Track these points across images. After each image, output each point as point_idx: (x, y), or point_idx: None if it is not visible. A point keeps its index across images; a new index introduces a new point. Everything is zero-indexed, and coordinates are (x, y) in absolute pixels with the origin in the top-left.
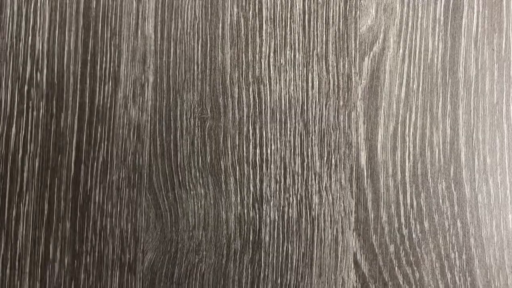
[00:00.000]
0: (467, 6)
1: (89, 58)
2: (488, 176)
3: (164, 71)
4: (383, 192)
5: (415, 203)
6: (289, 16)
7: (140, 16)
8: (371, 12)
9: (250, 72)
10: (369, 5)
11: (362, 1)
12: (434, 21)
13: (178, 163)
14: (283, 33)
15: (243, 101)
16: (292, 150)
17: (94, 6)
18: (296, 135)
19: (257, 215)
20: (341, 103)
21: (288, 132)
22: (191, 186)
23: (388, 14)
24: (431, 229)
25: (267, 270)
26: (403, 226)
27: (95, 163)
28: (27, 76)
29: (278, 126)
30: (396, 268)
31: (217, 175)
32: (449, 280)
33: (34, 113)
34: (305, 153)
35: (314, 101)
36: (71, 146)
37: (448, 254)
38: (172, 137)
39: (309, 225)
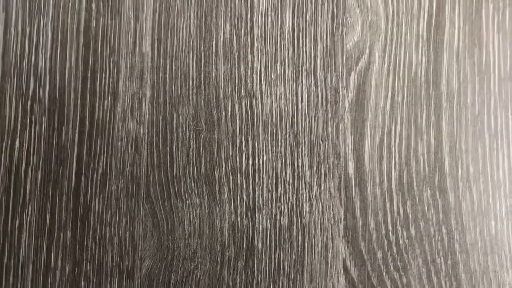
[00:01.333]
0: (449, 22)
1: (89, 74)
2: (471, 184)
3: (161, 86)
4: (371, 200)
5: (401, 211)
6: (279, 33)
7: (137, 35)
8: (357, 28)
9: (242, 87)
10: (355, 22)
11: (348, 18)
12: (417, 37)
13: (174, 173)
14: (274, 49)
15: (236, 114)
16: (283, 161)
17: (94, 25)
18: (287, 146)
19: (250, 223)
20: (329, 115)
21: (279, 143)
22: (186, 195)
23: (373, 30)
24: (417, 235)
25: (260, 276)
26: (390, 233)
27: (95, 175)
28: (30, 92)
29: (269, 138)
30: (384, 273)
31: (212, 185)
32: (435, 284)
33: (37, 127)
34: (295, 163)
35: (303, 113)
36: (72, 159)
37: (434, 259)
38: (168, 149)
39: (300, 233)
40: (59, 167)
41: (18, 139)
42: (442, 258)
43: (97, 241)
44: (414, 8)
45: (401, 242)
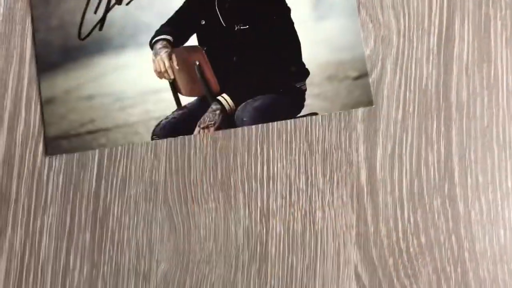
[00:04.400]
0: (459, 37)
1: None
2: (480, 194)
3: None
4: (382, 208)
5: (412, 219)
6: None
7: None
8: (370, 43)
9: None
10: (368, 37)
11: (361, 34)
12: (428, 51)
13: (191, 179)
14: None
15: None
16: (297, 168)
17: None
18: (301, 155)
19: (264, 229)
20: (343, 125)
21: (294, 152)
22: (203, 200)
23: (386, 44)
24: (428, 243)
25: (273, 281)
26: (401, 240)
27: (115, 179)
28: None
29: (284, 146)
30: (395, 280)
31: (227, 190)
32: None
33: None
34: (309, 171)
35: (317, 123)
36: (93, 163)
37: (444, 267)
38: (186, 155)
39: (312, 239)
40: (80, 171)
41: (41, 144)
42: (452, 266)
43: (115, 243)
44: (425, 23)
45: (411, 249)
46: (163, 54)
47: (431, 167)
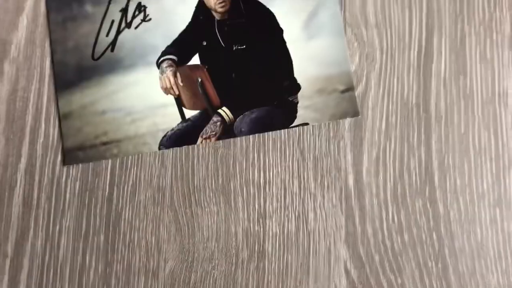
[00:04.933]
0: (437, 52)
1: None
2: (458, 196)
3: None
4: (369, 209)
5: (396, 219)
6: None
7: None
8: (355, 59)
9: None
10: (354, 54)
11: (347, 51)
12: (408, 66)
13: (195, 184)
14: None
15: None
16: (290, 174)
17: None
18: (294, 161)
19: (262, 229)
20: (331, 134)
21: (287, 159)
22: (205, 204)
23: (370, 61)
24: (411, 241)
25: (270, 276)
26: (386, 239)
27: (126, 185)
28: None
29: (278, 154)
30: (381, 275)
31: (228, 194)
32: (427, 285)
33: None
34: (301, 176)
35: (308, 133)
36: (106, 171)
37: (426, 262)
38: (190, 163)
39: (305, 238)
40: (95, 178)
41: (60, 154)
42: (433, 261)
43: (127, 244)
44: (405, 40)
45: (396, 247)
46: (169, 72)
47: (412, 171)
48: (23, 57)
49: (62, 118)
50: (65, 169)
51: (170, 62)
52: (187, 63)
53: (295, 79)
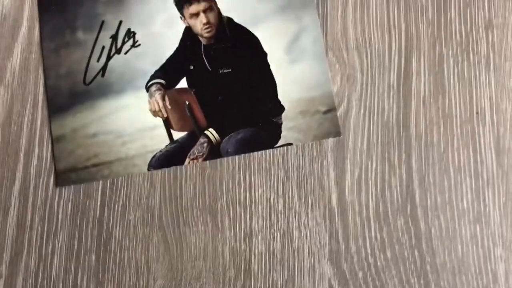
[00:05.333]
0: (415, 73)
1: None
2: (439, 213)
3: None
4: (352, 227)
5: (378, 236)
6: None
7: None
8: (337, 81)
9: None
10: (335, 76)
11: (329, 72)
12: (388, 87)
13: (183, 204)
14: None
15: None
16: (276, 193)
17: None
18: (279, 181)
19: (248, 248)
20: (315, 153)
21: (272, 178)
22: (193, 223)
23: (351, 82)
24: (393, 258)
25: None
26: (369, 256)
27: (116, 206)
28: None
29: (264, 173)
30: None
31: (215, 214)
32: None
33: None
34: (286, 195)
35: (292, 153)
36: (97, 192)
37: (408, 279)
38: (178, 184)
39: (291, 256)
40: (86, 200)
41: (52, 177)
42: (415, 278)
43: (117, 263)
44: (385, 62)
45: (379, 263)
46: (157, 95)
47: (394, 190)
48: (18, 83)
49: (55, 141)
50: (57, 190)
51: (158, 86)
52: (175, 87)
53: (279, 101)
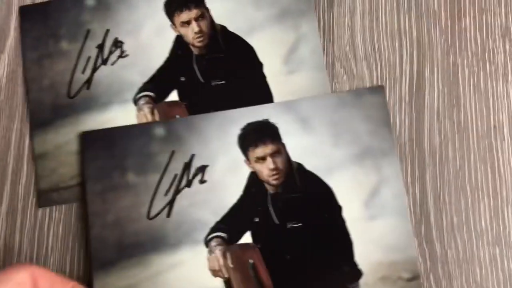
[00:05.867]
0: (429, 85)
1: None
2: (456, 234)
3: None
4: None
5: None
6: None
7: None
8: None
9: None
10: (343, 88)
11: (336, 84)
12: (400, 99)
13: None
14: None
15: None
16: None
17: None
18: None
19: None
20: None
21: None
22: None
23: None
24: None
25: None
26: None
27: None
28: None
29: None
30: None
31: None
32: None
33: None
34: None
35: None
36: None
37: None
38: None
39: None
40: (78, 222)
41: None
42: None
43: None
44: (396, 73)
45: None
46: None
47: (407, 209)
48: (5, 96)
49: (37, 158)
50: (47, 211)
51: (147, 99)
52: (164, 99)
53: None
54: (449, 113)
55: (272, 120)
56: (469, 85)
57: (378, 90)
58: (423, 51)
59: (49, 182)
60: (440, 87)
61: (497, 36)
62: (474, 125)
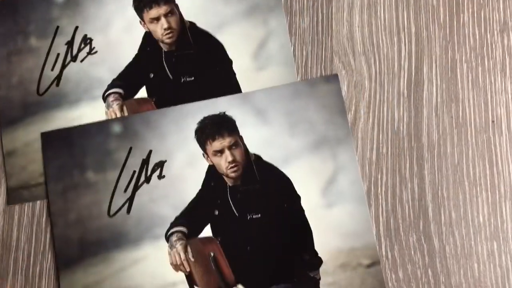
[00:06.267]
0: (427, 80)
1: None
2: (454, 229)
3: None
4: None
5: (389, 255)
6: None
7: None
8: (344, 88)
9: None
10: (342, 82)
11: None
12: (398, 94)
13: None
14: None
15: None
16: None
17: None
18: None
19: None
20: None
21: None
22: None
23: (358, 89)
24: (405, 278)
25: None
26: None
27: None
28: None
29: None
30: None
31: None
32: None
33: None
34: None
35: None
36: None
37: None
38: None
39: None
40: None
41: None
42: None
43: None
44: (394, 68)
45: (390, 284)
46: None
47: (405, 205)
48: None
49: (6, 155)
50: (45, 208)
51: (116, 95)
52: (133, 96)
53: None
54: (448, 108)
55: (229, 112)
56: (467, 80)
57: (332, 78)
58: (421, 46)
59: (18, 180)
60: (439, 82)
61: (495, 31)
62: (473, 120)
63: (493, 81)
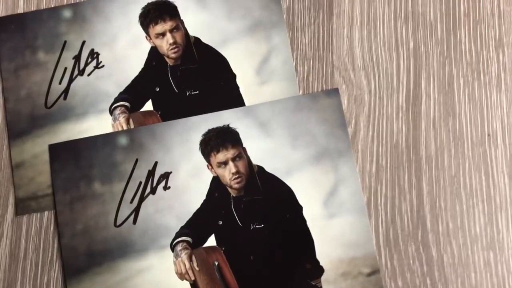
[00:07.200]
0: (425, 95)
1: None
2: (451, 239)
3: None
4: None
5: (389, 264)
6: None
7: None
8: (344, 102)
9: None
10: (342, 96)
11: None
12: (397, 108)
13: None
14: None
15: None
16: None
17: None
18: None
19: None
20: None
21: None
22: None
23: (358, 103)
24: (404, 286)
25: None
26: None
27: None
28: None
29: None
30: None
31: None
32: None
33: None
34: None
35: None
36: None
37: None
38: None
39: None
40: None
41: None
42: None
43: None
44: (393, 82)
45: None
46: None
47: (404, 215)
48: None
49: (15, 167)
50: (53, 220)
51: (122, 108)
52: (139, 109)
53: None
54: (445, 121)
55: (233, 125)
56: (464, 95)
57: (333, 92)
58: (419, 62)
59: (26, 191)
60: (436, 96)
61: (491, 48)
62: (469, 134)
63: (489, 95)
